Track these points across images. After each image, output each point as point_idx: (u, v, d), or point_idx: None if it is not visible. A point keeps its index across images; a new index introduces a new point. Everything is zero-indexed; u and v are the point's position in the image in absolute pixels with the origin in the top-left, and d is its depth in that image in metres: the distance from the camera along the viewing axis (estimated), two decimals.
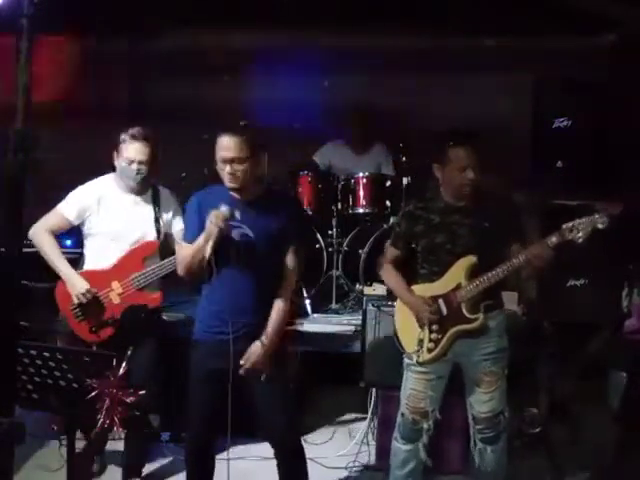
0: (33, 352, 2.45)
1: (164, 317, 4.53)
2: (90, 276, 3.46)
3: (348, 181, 5.12)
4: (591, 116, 4.71)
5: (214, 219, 2.81)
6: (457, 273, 3.12)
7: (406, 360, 3.27)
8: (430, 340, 3.16)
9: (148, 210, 3.53)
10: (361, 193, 5.07)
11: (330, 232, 5.17)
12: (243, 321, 2.93)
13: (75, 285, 3.41)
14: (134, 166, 3.43)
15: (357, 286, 4.98)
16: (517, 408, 4.07)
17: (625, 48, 4.94)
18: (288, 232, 2.99)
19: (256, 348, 2.94)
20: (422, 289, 3.22)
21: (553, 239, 2.95)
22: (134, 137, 3.42)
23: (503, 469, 3.28)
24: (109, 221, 3.47)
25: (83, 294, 3.39)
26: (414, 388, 3.23)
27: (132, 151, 3.42)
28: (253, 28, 5.66)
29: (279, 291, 3.00)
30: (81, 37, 5.21)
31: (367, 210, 5.10)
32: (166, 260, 3.49)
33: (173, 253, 3.48)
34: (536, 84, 4.93)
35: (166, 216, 3.57)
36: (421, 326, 3.19)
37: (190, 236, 2.96)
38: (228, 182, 2.91)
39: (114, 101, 5.52)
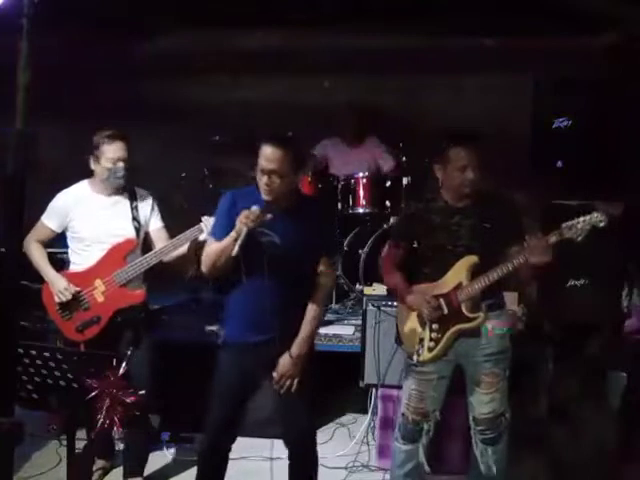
0: (33, 352, 2.45)
1: (164, 317, 4.56)
2: (73, 276, 3.52)
3: (348, 181, 5.12)
4: (591, 116, 4.70)
5: (244, 219, 2.79)
6: (458, 273, 3.12)
7: (407, 360, 3.27)
8: (431, 339, 3.17)
9: (126, 209, 3.56)
10: (361, 193, 5.07)
11: None
12: (268, 326, 2.91)
13: (55, 284, 3.47)
14: (120, 164, 3.45)
15: (357, 286, 4.98)
16: (517, 408, 4.07)
17: (625, 48, 4.94)
18: (320, 242, 2.99)
19: (285, 361, 2.96)
20: (423, 289, 3.21)
21: (553, 238, 2.95)
22: (113, 136, 3.45)
23: (504, 469, 3.27)
24: (90, 225, 3.50)
25: (62, 292, 3.45)
26: (415, 388, 3.23)
27: (116, 151, 3.44)
28: (253, 28, 5.66)
29: (311, 301, 3.00)
30: (81, 37, 5.20)
31: (367, 210, 5.10)
32: (146, 255, 3.53)
33: (151, 250, 3.56)
34: (536, 84, 4.92)
35: (144, 215, 3.60)
36: (422, 325, 3.19)
37: (219, 234, 2.94)
38: (263, 193, 2.88)
39: (114, 101, 5.51)
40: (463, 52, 5.62)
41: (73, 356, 2.53)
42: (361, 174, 5.10)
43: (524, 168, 4.91)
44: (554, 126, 4.75)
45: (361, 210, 5.10)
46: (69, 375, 2.46)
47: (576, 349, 4.21)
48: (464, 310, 3.11)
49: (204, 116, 5.59)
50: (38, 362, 2.46)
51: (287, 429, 3.10)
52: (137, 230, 3.56)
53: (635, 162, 4.41)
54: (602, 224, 2.91)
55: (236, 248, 2.78)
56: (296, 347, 2.97)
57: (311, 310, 3.00)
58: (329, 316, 4.83)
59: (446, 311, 3.14)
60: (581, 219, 2.93)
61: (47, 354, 2.45)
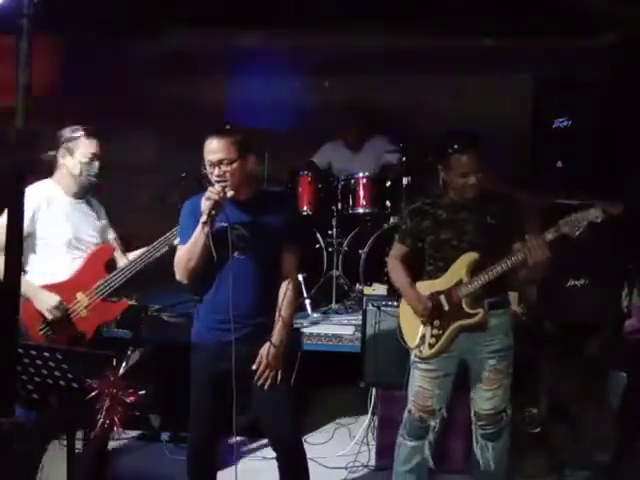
0: (33, 352, 2.44)
1: (164, 317, 4.56)
2: (54, 289, 3.18)
3: (348, 181, 5.12)
4: (591, 116, 4.71)
5: (209, 194, 2.80)
6: (459, 269, 3.13)
7: (412, 357, 3.28)
8: (432, 335, 3.18)
9: (91, 215, 3.36)
10: (361, 193, 5.07)
11: (330, 232, 5.17)
12: (244, 322, 2.92)
13: (44, 300, 3.12)
14: (96, 162, 3.27)
15: (357, 286, 4.98)
16: (518, 408, 4.07)
17: (625, 47, 4.94)
18: (282, 230, 2.99)
19: (267, 349, 2.95)
20: (426, 285, 3.23)
21: (550, 234, 2.96)
22: (91, 132, 3.27)
23: (504, 466, 3.28)
24: (63, 229, 3.23)
25: (56, 307, 3.14)
26: (421, 386, 3.23)
27: (94, 146, 3.26)
28: (253, 28, 5.66)
29: (282, 291, 3.01)
30: (81, 37, 5.20)
31: (367, 210, 5.10)
32: (127, 264, 3.31)
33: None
34: (536, 84, 4.93)
35: (103, 222, 3.42)
36: (423, 322, 3.20)
37: (186, 240, 2.93)
38: (219, 188, 2.86)
39: (114, 101, 5.51)
40: (463, 52, 5.62)
41: (73, 356, 2.53)
42: (361, 174, 5.10)
43: (524, 168, 4.92)
44: (554, 126, 4.76)
45: (361, 210, 5.10)
46: (69, 375, 2.45)
47: (576, 349, 4.21)
48: (464, 306, 3.12)
49: (204, 116, 5.59)
50: (38, 362, 2.45)
51: (269, 429, 3.08)
52: (103, 238, 3.38)
53: (635, 162, 4.42)
54: (599, 220, 2.93)
55: (204, 218, 2.78)
56: (276, 335, 2.96)
57: (284, 298, 2.99)
58: (329, 316, 4.85)
59: (447, 307, 3.15)
60: (578, 214, 2.94)
61: (47, 354, 2.44)
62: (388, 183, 5.12)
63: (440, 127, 4.49)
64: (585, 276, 4.26)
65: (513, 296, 4.32)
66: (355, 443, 4.12)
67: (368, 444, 4.07)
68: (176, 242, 3.28)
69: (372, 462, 3.97)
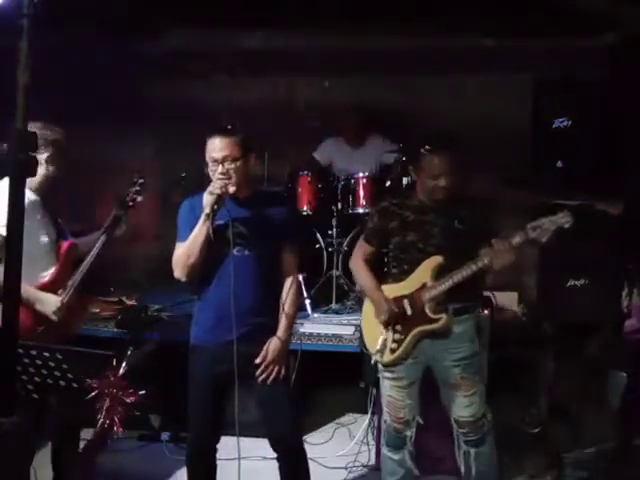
0: (33, 352, 2.44)
1: (164, 317, 4.57)
2: (46, 290, 3.14)
3: (348, 181, 5.12)
4: (591, 116, 4.71)
5: (212, 189, 2.83)
6: (423, 273, 3.08)
7: (378, 365, 3.24)
8: (393, 340, 3.13)
9: (49, 211, 3.27)
10: (361, 193, 5.07)
11: (330, 232, 5.17)
12: (244, 321, 2.92)
13: (48, 302, 3.10)
14: None
15: (357, 286, 4.98)
16: (518, 408, 4.07)
17: (625, 48, 4.94)
18: (282, 229, 3.00)
19: (274, 344, 2.96)
20: (390, 289, 3.18)
21: (517, 239, 2.92)
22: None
23: (492, 471, 3.23)
24: (39, 231, 3.16)
25: (60, 309, 3.11)
26: (391, 395, 3.21)
27: None
28: (253, 28, 5.67)
29: (285, 288, 3.02)
30: (81, 37, 5.20)
31: (367, 210, 5.09)
32: (87, 259, 3.21)
33: None
34: (536, 84, 4.93)
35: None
36: (385, 326, 3.16)
37: (185, 237, 2.95)
38: (221, 186, 2.87)
39: (114, 101, 5.51)
40: (463, 52, 5.62)
41: (73, 356, 2.53)
42: (361, 174, 5.10)
43: (524, 168, 4.92)
44: (554, 126, 4.75)
45: (361, 210, 5.09)
46: (69, 375, 2.45)
47: (576, 349, 4.21)
48: (427, 311, 3.07)
49: (204, 116, 5.59)
50: (38, 362, 2.45)
51: (269, 429, 3.08)
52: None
53: (635, 162, 4.42)
54: (567, 225, 2.87)
55: (207, 211, 2.80)
56: (282, 331, 2.98)
57: (288, 295, 3.01)
58: (329, 316, 4.85)
59: (410, 312, 3.10)
60: (546, 219, 2.89)
61: (47, 354, 2.44)
62: (388, 183, 5.12)
63: (440, 127, 4.48)
64: (585, 276, 4.25)
65: (513, 296, 4.34)
66: (355, 443, 4.13)
67: (368, 444, 4.07)
68: (118, 233, 3.29)
69: (372, 462, 3.98)
